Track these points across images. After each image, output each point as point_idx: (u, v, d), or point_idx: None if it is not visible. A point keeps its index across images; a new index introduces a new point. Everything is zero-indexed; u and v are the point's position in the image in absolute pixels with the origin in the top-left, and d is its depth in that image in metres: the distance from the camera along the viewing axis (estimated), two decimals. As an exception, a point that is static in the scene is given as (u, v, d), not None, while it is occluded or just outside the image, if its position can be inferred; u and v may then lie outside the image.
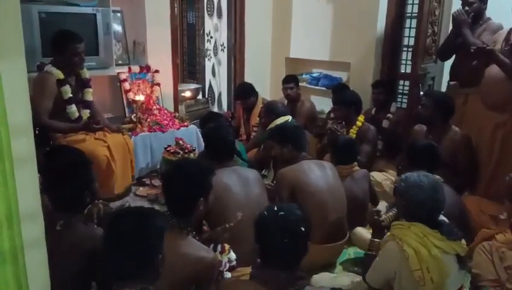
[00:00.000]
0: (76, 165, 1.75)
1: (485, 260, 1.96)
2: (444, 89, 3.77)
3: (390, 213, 2.23)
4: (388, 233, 1.86)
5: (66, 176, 1.68)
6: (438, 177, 2.02)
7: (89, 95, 2.98)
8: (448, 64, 3.69)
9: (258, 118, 3.83)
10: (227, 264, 1.90)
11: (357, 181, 2.70)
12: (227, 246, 1.96)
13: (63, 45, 2.72)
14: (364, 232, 2.45)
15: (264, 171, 3.14)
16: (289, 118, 3.34)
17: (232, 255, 1.95)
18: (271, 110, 3.38)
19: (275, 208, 1.48)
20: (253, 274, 1.47)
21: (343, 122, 3.37)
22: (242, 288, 1.50)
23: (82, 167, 1.76)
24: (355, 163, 2.79)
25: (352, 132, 3.36)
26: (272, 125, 3.18)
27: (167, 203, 1.76)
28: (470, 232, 2.26)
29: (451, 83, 3.34)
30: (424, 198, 1.71)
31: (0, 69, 0.98)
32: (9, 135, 1.02)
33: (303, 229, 1.42)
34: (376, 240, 2.04)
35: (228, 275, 1.88)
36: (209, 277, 1.65)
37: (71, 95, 2.80)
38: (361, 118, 3.41)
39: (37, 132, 2.49)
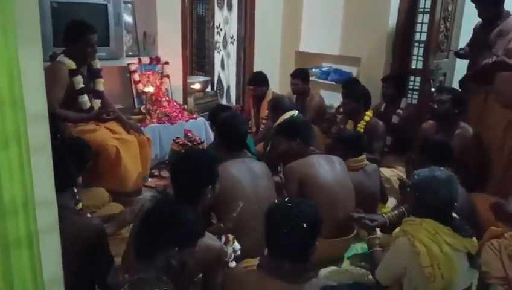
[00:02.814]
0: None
1: (494, 258, 1.95)
2: (455, 85, 3.73)
3: (395, 211, 2.23)
4: (398, 229, 1.86)
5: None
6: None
7: (101, 85, 2.99)
8: (460, 60, 3.65)
9: (267, 110, 3.83)
10: (232, 255, 1.93)
11: (369, 175, 2.69)
12: (231, 237, 1.98)
13: (77, 35, 2.72)
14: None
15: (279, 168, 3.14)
16: (295, 112, 3.34)
17: (237, 245, 1.97)
18: (277, 105, 3.37)
19: (286, 201, 1.49)
20: (260, 264, 1.48)
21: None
22: (246, 277, 1.51)
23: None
24: (364, 156, 2.78)
25: (360, 127, 3.35)
26: (280, 120, 3.18)
27: (175, 193, 1.78)
28: (479, 230, 2.25)
29: None
30: (439, 189, 1.70)
31: (20, 56, 0.99)
32: (26, 121, 1.04)
33: (305, 224, 1.41)
34: (372, 237, 2.06)
35: (234, 264, 1.91)
36: (216, 265, 1.68)
37: (83, 86, 2.81)
38: (369, 112, 3.40)
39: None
